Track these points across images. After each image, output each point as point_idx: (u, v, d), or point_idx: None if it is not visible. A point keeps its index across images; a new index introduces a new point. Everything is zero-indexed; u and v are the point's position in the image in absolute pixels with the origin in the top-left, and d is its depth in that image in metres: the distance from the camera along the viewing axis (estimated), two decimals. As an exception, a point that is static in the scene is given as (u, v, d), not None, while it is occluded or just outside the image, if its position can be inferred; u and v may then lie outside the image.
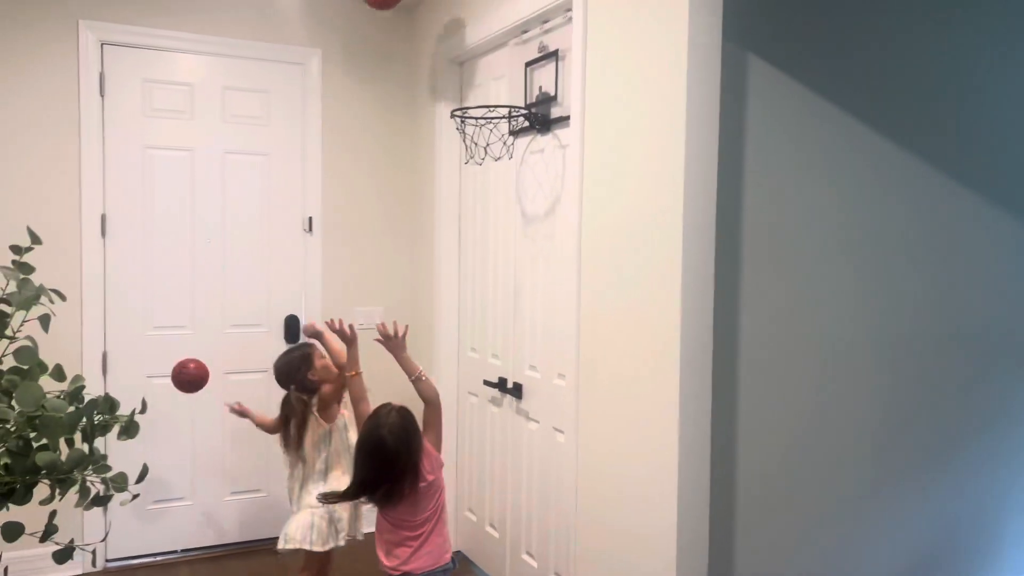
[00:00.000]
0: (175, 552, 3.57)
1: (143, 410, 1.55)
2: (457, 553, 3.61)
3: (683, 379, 2.17)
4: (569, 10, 2.65)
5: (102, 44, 3.36)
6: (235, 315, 3.65)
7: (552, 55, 2.81)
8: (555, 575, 2.85)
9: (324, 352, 2.97)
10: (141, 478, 1.44)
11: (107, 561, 3.46)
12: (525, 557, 3.06)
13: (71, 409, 1.33)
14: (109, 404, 1.45)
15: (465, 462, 3.57)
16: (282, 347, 3.72)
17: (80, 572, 3.37)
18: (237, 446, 3.66)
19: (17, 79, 3.23)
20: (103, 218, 3.39)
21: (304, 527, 2.85)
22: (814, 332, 2.45)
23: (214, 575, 3.38)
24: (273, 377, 3.03)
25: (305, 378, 2.91)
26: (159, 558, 3.54)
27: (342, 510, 2.90)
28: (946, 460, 2.77)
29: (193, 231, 3.56)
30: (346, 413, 2.93)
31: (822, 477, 2.51)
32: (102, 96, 3.37)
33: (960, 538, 2.83)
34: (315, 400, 2.92)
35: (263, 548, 3.64)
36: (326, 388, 2.91)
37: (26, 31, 3.23)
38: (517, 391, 3.08)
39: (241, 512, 3.69)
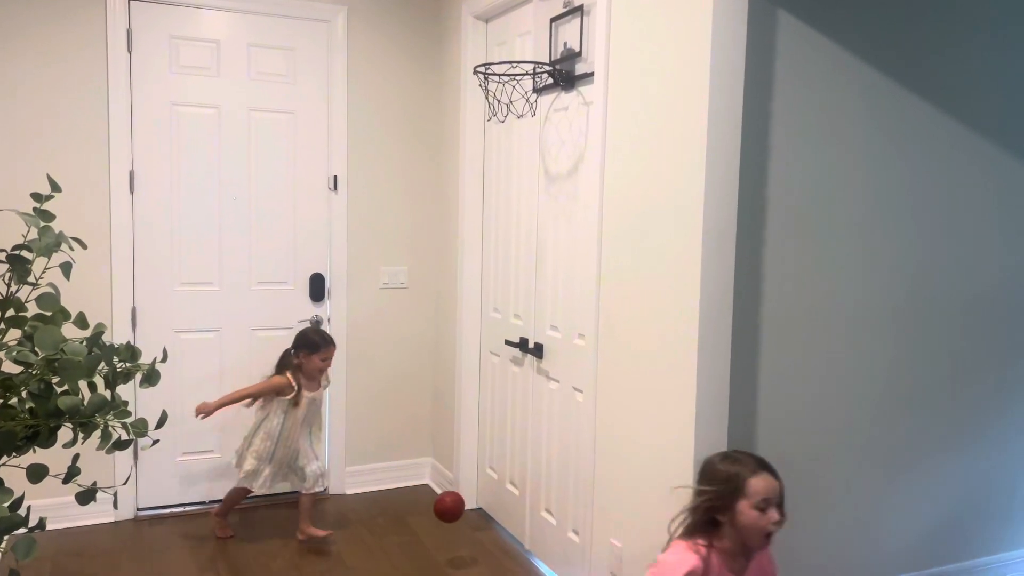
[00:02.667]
0: (203, 503, 3.66)
1: (164, 359, 1.58)
2: (478, 510, 3.67)
3: (702, 341, 2.16)
4: (595, -37, 2.59)
5: (129, 0, 3.37)
6: (261, 272, 3.69)
7: (577, 10, 2.76)
8: (573, 531, 2.88)
9: (327, 357, 3.36)
10: (160, 424, 1.47)
11: (138, 510, 3.56)
12: (544, 514, 3.10)
13: (93, 353, 1.36)
14: (131, 352, 1.48)
15: (487, 420, 3.61)
16: (307, 305, 3.77)
17: (113, 519, 3.48)
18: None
19: (46, 37, 3.25)
20: (131, 174, 3.43)
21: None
22: (837, 297, 2.42)
23: (240, 526, 3.47)
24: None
25: (298, 355, 3.33)
26: (188, 508, 3.63)
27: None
28: (969, 425, 2.73)
29: (219, 188, 3.59)
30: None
31: (843, 441, 2.49)
32: (129, 52, 3.39)
33: (982, 503, 2.81)
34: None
35: (288, 500, 3.72)
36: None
37: (54, -13, 3.25)
38: (538, 351, 3.09)
39: (267, 465, 3.76)
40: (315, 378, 3.34)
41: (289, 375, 3.28)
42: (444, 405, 3.89)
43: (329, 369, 3.40)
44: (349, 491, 3.89)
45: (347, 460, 3.89)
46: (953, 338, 2.65)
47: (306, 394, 3.30)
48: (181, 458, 3.62)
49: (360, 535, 3.40)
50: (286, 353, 3.35)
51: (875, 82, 2.38)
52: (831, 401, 2.45)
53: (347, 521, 3.55)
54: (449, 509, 3.07)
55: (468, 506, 3.67)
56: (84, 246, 1.45)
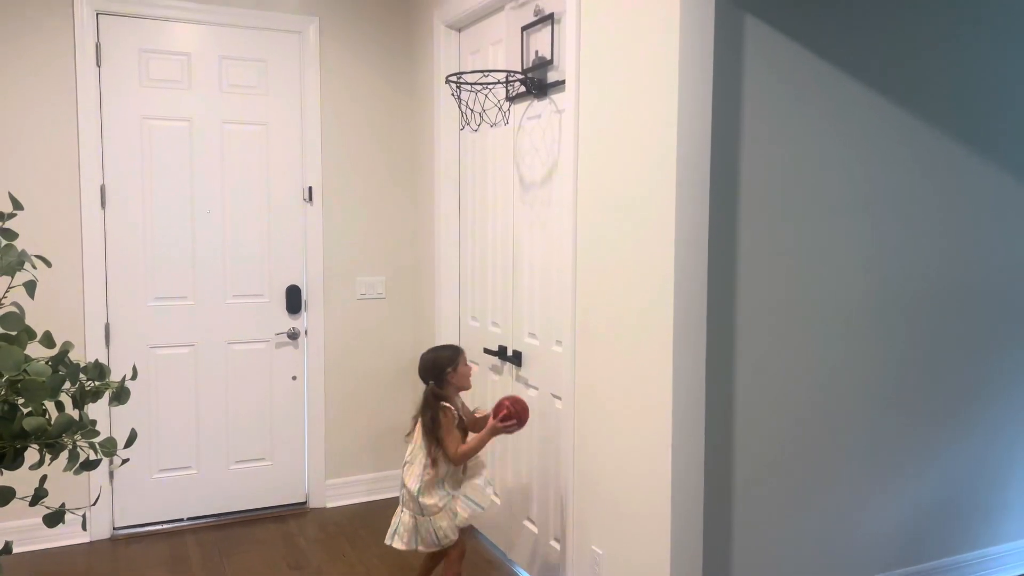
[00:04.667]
0: (181, 520, 3.62)
1: (133, 376, 1.56)
2: (460, 519, 3.64)
3: (676, 345, 2.17)
4: (564, -28, 2.61)
5: (97, 14, 3.34)
6: (236, 285, 3.66)
7: (548, 18, 2.77)
8: (555, 539, 2.87)
9: (468, 361, 2.83)
10: (129, 443, 1.45)
11: (115, 529, 3.51)
12: (526, 523, 3.09)
13: (59, 372, 1.34)
14: (99, 370, 1.45)
15: (467, 430, 3.59)
16: (284, 317, 3.74)
17: (88, 539, 3.43)
18: (242, 415, 3.69)
19: (14, 51, 3.22)
20: (102, 189, 3.39)
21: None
22: (813, 296, 2.43)
23: (220, 543, 3.43)
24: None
25: (445, 375, 2.75)
26: (166, 526, 3.59)
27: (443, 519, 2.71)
28: (950, 420, 2.76)
29: (193, 201, 3.56)
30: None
31: (823, 437, 2.51)
32: (99, 66, 3.36)
33: (963, 498, 2.84)
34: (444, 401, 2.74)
35: (268, 516, 3.69)
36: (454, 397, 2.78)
37: (22, 2, 3.21)
38: (517, 359, 3.08)
39: (246, 480, 3.73)
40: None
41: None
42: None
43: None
44: (330, 504, 3.85)
45: (327, 473, 3.86)
46: (931, 334, 2.68)
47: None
48: (158, 474, 3.57)
49: (342, 549, 3.38)
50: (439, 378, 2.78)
51: (842, 82, 2.40)
52: (809, 400, 2.47)
53: (328, 535, 3.52)
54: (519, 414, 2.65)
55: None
56: (48, 264, 1.43)
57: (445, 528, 2.68)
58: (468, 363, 2.81)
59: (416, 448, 2.74)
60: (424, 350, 2.88)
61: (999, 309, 2.82)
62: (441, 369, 2.75)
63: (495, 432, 2.64)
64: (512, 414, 2.63)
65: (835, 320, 2.49)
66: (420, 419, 2.74)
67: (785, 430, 2.44)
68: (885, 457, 2.64)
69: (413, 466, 2.72)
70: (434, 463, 2.67)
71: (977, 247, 2.74)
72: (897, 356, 2.63)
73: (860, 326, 2.54)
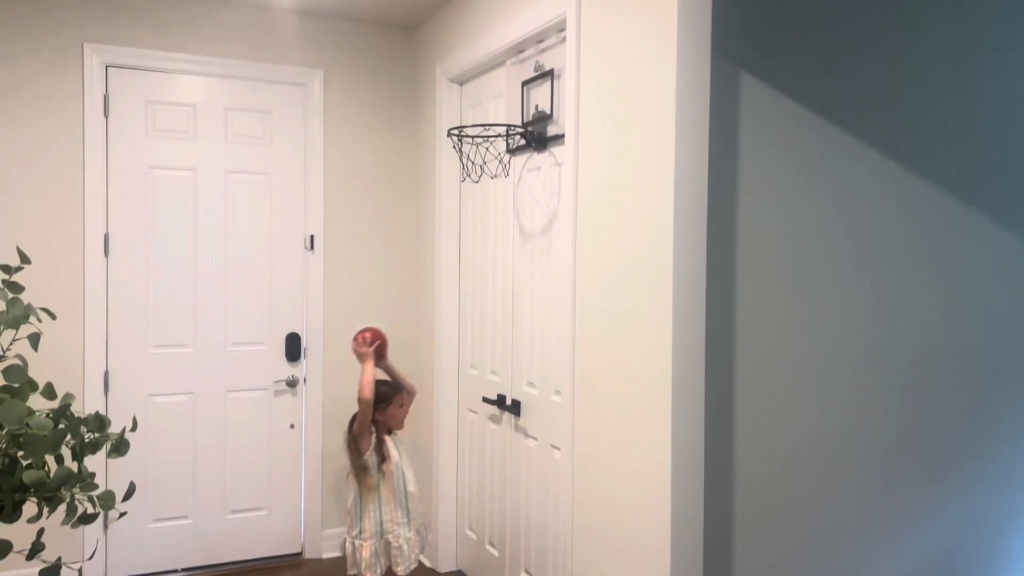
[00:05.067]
0: (176, 571, 3.57)
1: (133, 428, 1.56)
2: (457, 572, 3.60)
3: (675, 395, 2.17)
4: (563, 30, 2.67)
5: (107, 66, 3.41)
6: (237, 333, 3.67)
7: (548, 74, 2.83)
8: (553, 594, 2.83)
9: (404, 403, 3.13)
10: (128, 496, 1.45)
11: (108, 580, 3.47)
12: (523, 575, 3.05)
13: (60, 426, 1.34)
14: (99, 422, 1.46)
15: (465, 480, 3.57)
16: (283, 365, 3.74)
17: (81, 591, 3.38)
18: (239, 464, 3.67)
19: (23, 101, 3.28)
20: (106, 237, 3.42)
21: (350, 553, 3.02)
22: (812, 346, 2.44)
23: (214, 594, 3.38)
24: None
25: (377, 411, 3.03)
26: (160, 577, 3.54)
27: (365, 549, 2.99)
28: (949, 474, 2.74)
29: (195, 250, 3.59)
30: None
31: (821, 492, 2.49)
32: (106, 117, 3.42)
33: (963, 553, 2.80)
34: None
35: (263, 567, 3.64)
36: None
37: (33, 54, 3.28)
38: (516, 408, 3.08)
39: (242, 530, 3.69)
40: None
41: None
42: (422, 464, 3.85)
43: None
44: (326, 555, 3.81)
45: (324, 523, 3.82)
46: (930, 391, 2.68)
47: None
48: (153, 524, 3.54)
49: (337, 601, 3.33)
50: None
51: (839, 138, 2.45)
52: (807, 454, 2.46)
53: (324, 587, 3.48)
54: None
55: (447, 568, 3.61)
56: (53, 316, 1.45)
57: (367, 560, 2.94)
58: (404, 407, 3.09)
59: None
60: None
61: (998, 364, 2.82)
62: (378, 402, 2.99)
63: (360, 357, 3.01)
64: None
65: (834, 375, 2.49)
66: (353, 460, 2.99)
67: (784, 485, 2.42)
68: (885, 513, 2.62)
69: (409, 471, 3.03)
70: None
71: (978, 299, 2.76)
72: (896, 413, 2.62)
73: (859, 382, 2.54)
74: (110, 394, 3.45)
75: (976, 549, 2.83)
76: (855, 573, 2.57)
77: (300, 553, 3.79)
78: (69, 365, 3.34)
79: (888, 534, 2.63)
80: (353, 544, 2.97)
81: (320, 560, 3.78)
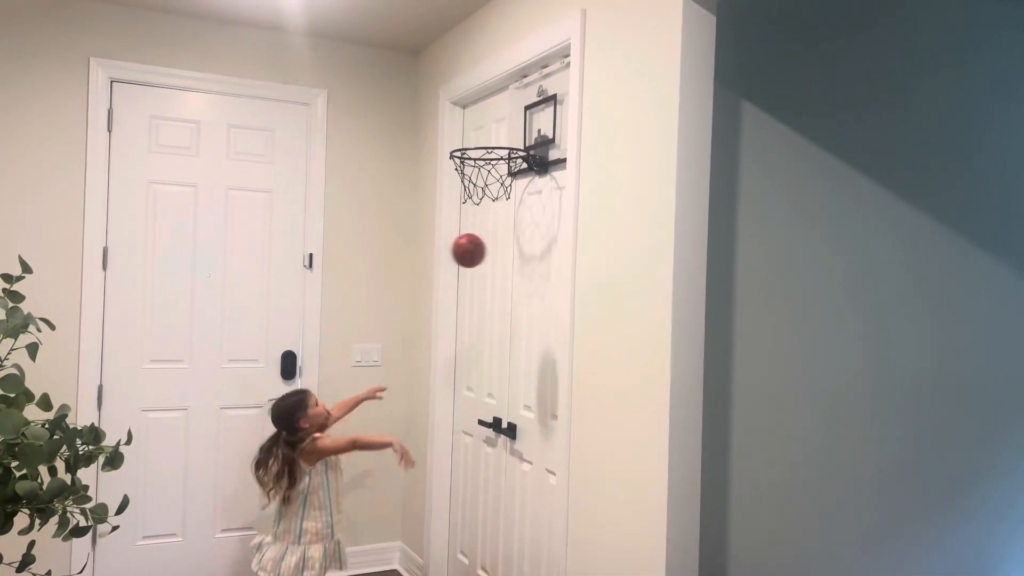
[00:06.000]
0: (163, 589, 3.53)
1: (128, 441, 1.56)
2: (448, 596, 3.56)
3: (673, 422, 2.16)
4: (567, 56, 2.70)
5: (112, 81, 3.43)
6: (232, 350, 3.66)
7: (551, 99, 2.85)
8: (545, 620, 2.80)
9: (318, 399, 3.08)
10: (121, 510, 1.44)
11: (94, 597, 3.42)
12: (516, 601, 3.02)
13: (56, 437, 1.34)
14: (94, 434, 1.45)
15: (459, 503, 3.54)
16: (278, 383, 3.72)
17: (67, 608, 3.34)
18: (231, 482, 3.64)
19: (28, 114, 3.29)
20: (105, 251, 3.42)
21: (276, 559, 2.96)
22: (809, 379, 2.44)
23: (201, 613, 3.34)
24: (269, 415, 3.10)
25: (297, 422, 2.98)
26: (147, 595, 3.50)
27: (315, 551, 2.97)
28: (949, 507, 2.73)
29: (194, 265, 3.59)
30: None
31: (821, 523, 2.48)
32: (109, 132, 3.43)
33: (958, 591, 2.79)
34: (301, 446, 2.99)
35: (252, 587, 3.59)
36: (315, 434, 3.01)
37: (40, 69, 3.30)
38: (511, 431, 3.06)
39: (233, 550, 3.65)
40: (312, 449, 3.03)
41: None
42: (415, 487, 3.83)
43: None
44: (316, 576, 3.76)
45: (315, 544, 3.78)
46: (929, 423, 2.68)
47: None
48: (142, 541, 3.50)
49: (326, 624, 3.28)
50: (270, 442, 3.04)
51: (838, 169, 2.47)
52: (806, 482, 2.45)
53: (313, 609, 3.43)
54: (466, 252, 2.79)
55: (438, 592, 3.57)
56: (52, 327, 1.44)
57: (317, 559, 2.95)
58: (317, 402, 3.03)
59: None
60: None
61: (992, 395, 2.82)
62: (291, 415, 2.95)
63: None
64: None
65: (829, 405, 2.49)
66: (283, 468, 2.94)
67: (782, 514, 2.41)
68: (885, 545, 2.61)
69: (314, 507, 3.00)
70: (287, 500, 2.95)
71: (975, 334, 2.76)
72: (894, 445, 2.62)
73: (858, 411, 2.54)
74: (103, 407, 3.43)
75: (972, 584, 2.81)
76: (850, 605, 2.55)
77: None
78: (63, 378, 3.32)
79: (885, 564, 2.62)
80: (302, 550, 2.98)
81: (310, 582, 3.73)
